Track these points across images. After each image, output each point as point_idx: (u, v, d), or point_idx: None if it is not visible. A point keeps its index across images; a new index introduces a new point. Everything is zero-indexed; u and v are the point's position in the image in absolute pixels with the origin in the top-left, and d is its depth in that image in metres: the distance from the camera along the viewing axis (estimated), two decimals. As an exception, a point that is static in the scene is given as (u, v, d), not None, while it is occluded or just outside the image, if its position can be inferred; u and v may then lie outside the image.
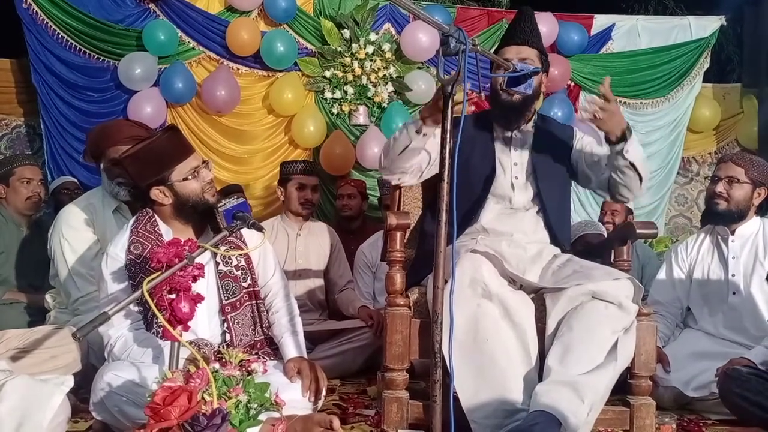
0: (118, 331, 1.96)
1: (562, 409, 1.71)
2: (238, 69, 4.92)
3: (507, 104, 2.24)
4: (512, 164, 2.28)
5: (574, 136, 2.36)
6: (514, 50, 2.23)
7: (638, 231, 2.16)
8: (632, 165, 2.11)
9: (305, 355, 2.11)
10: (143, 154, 1.99)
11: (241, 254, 2.07)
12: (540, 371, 1.88)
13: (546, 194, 2.25)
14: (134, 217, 2.08)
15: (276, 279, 2.21)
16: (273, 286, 2.20)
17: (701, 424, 2.30)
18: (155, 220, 2.04)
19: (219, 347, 1.98)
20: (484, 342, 1.85)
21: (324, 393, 2.03)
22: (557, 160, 2.30)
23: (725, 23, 5.47)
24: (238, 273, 2.09)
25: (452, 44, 1.63)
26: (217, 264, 2.06)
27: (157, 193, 2.00)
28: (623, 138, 2.08)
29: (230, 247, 2.05)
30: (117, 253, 2.00)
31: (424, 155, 2.21)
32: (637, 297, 1.95)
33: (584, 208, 5.31)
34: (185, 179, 2.00)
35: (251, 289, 2.11)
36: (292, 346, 2.08)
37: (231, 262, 2.09)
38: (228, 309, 2.05)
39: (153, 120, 4.55)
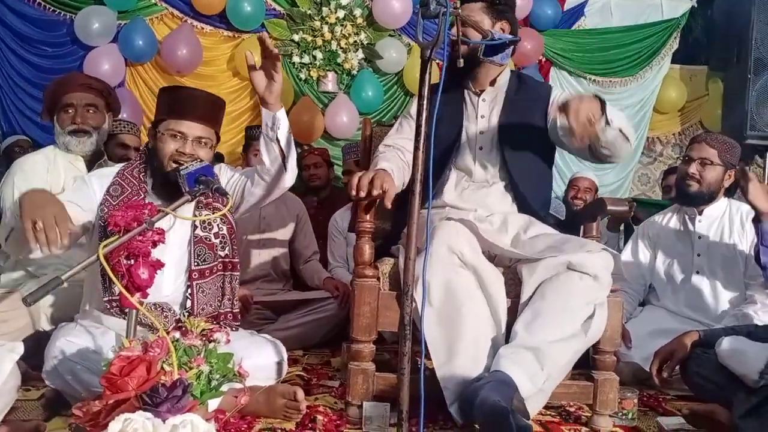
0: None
1: (519, 372, 1.71)
2: (203, 28, 4.74)
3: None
4: (478, 133, 2.17)
5: (550, 94, 2.20)
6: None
7: (609, 207, 2.12)
8: (620, 131, 1.96)
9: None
10: (172, 93, 2.07)
11: (211, 218, 2.00)
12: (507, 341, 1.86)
13: (513, 164, 2.15)
14: (128, 162, 2.08)
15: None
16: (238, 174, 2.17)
17: (660, 399, 2.34)
18: (144, 167, 2.01)
19: (180, 315, 1.91)
20: (459, 310, 1.83)
21: (280, 68, 1.99)
22: (530, 123, 2.16)
23: (696, 5, 5.50)
24: (216, 241, 2.03)
25: (432, 6, 1.56)
26: (195, 227, 2.00)
27: (148, 131, 2.04)
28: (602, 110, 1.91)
29: (201, 207, 2.01)
30: (92, 182, 1.98)
31: None
32: (617, 267, 1.93)
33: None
34: (166, 134, 1.96)
35: (228, 259, 2.04)
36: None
37: (211, 229, 2.02)
38: (195, 275, 1.97)
39: (111, 78, 4.33)
